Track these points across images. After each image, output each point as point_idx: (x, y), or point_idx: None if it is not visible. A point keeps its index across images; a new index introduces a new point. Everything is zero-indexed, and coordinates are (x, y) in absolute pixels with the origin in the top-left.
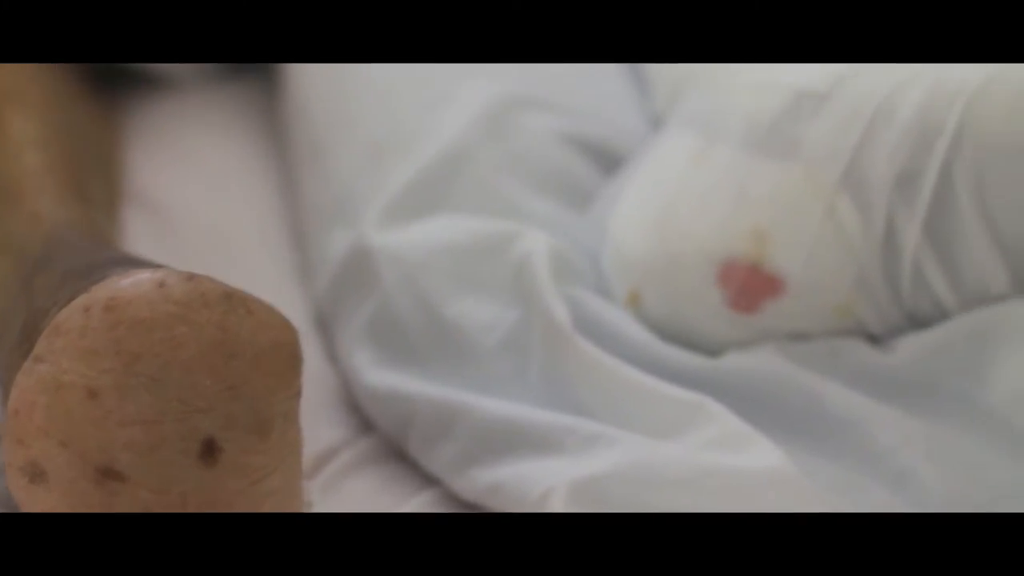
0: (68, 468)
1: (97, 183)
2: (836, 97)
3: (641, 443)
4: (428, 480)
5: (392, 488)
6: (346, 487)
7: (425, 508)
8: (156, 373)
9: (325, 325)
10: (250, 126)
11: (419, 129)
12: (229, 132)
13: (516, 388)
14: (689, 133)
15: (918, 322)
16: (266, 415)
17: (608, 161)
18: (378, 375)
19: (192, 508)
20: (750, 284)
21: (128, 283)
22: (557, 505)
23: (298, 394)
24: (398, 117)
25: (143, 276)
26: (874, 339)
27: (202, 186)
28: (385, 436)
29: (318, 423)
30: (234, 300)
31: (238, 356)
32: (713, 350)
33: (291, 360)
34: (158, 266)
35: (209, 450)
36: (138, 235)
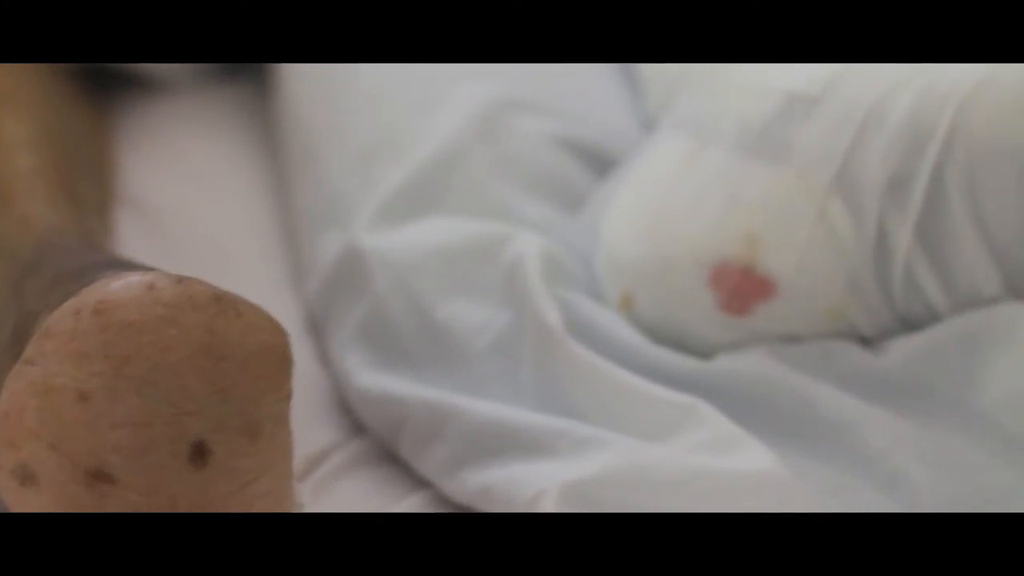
0: (58, 471)
1: (88, 186)
2: (828, 100)
3: (632, 445)
4: (419, 482)
5: (383, 490)
6: (338, 489)
7: (416, 510)
8: (146, 376)
9: (317, 327)
10: (242, 129)
11: (411, 132)
12: (221, 135)
13: (508, 390)
14: (681, 136)
15: (910, 325)
16: (256, 417)
17: (600, 164)
18: (370, 377)
19: (182, 510)
20: (742, 287)
21: (118, 286)
22: (548, 507)
23: (288, 396)
24: (390, 120)
25: (133, 279)
26: (866, 341)
27: (194, 189)
28: (377, 438)
29: (310, 425)
30: (224, 303)
31: (228, 359)
32: (705, 352)
33: (281, 363)
34: (148, 269)
35: (199, 453)
36: (130, 238)
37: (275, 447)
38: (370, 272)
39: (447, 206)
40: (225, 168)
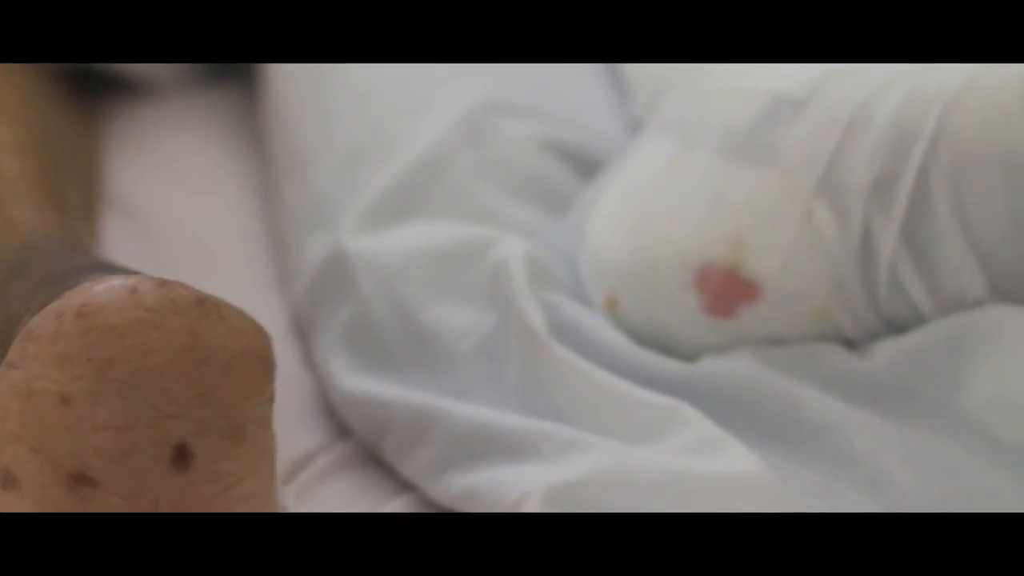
0: (40, 474)
1: (74, 189)
2: (813, 103)
3: (616, 448)
4: (404, 485)
5: (368, 493)
6: (322, 492)
7: None
8: (128, 379)
9: (303, 330)
10: (229, 132)
11: (397, 135)
12: (208, 138)
13: (492, 393)
14: (667, 138)
15: (895, 327)
16: (238, 421)
17: (586, 166)
18: (354, 380)
19: None
20: (727, 289)
21: (100, 289)
22: (531, 510)
23: (271, 400)
24: (376, 123)
25: (115, 282)
26: (851, 344)
27: (181, 192)
28: (361, 441)
29: (295, 428)
30: (206, 306)
31: (210, 362)
32: (690, 355)
33: (263, 366)
34: (131, 272)
35: (181, 456)
36: (117, 241)
37: (258, 450)
38: (355, 275)
39: (433, 209)
40: (212, 171)
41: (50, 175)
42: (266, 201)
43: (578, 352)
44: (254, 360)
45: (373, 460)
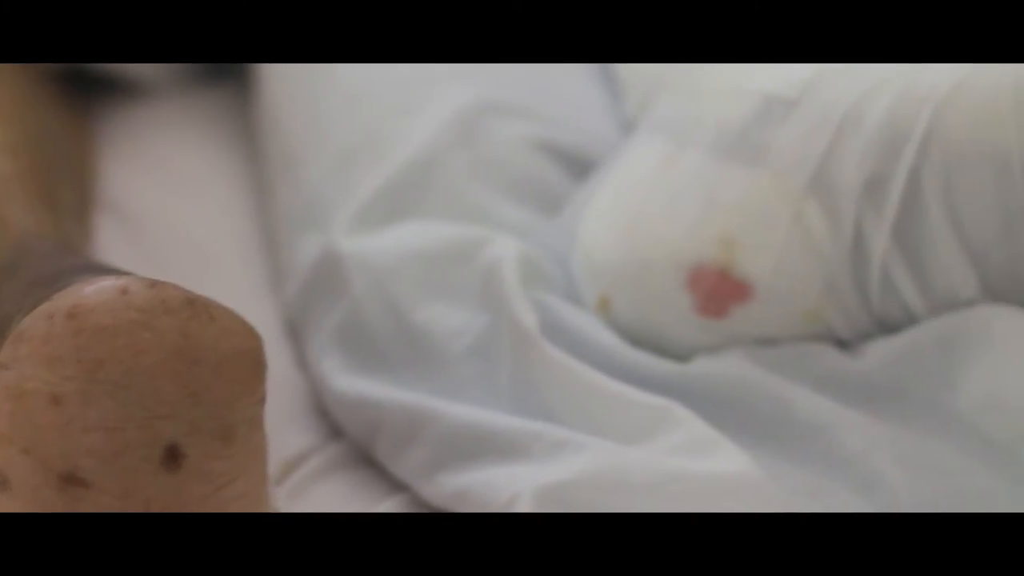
0: (31, 475)
1: (67, 190)
2: (805, 103)
3: (608, 448)
4: (396, 486)
5: (360, 494)
6: (314, 492)
7: None
8: (119, 379)
9: (295, 331)
10: (223, 133)
11: (390, 135)
12: (202, 139)
13: (484, 394)
14: (659, 138)
15: (887, 327)
16: (229, 421)
17: (579, 167)
18: (347, 381)
19: None
20: (719, 289)
21: (91, 290)
22: (523, 511)
23: (262, 400)
24: (369, 124)
25: (106, 283)
26: (843, 344)
27: (175, 193)
28: (354, 442)
29: (287, 429)
30: (197, 306)
31: (201, 362)
32: (682, 355)
33: (254, 366)
34: (122, 273)
35: (172, 456)
36: (111, 242)
37: (249, 450)
38: (348, 276)
39: (425, 209)
40: (206, 172)
41: (43, 176)
42: (259, 202)
43: (570, 352)
44: (245, 361)
45: (365, 460)
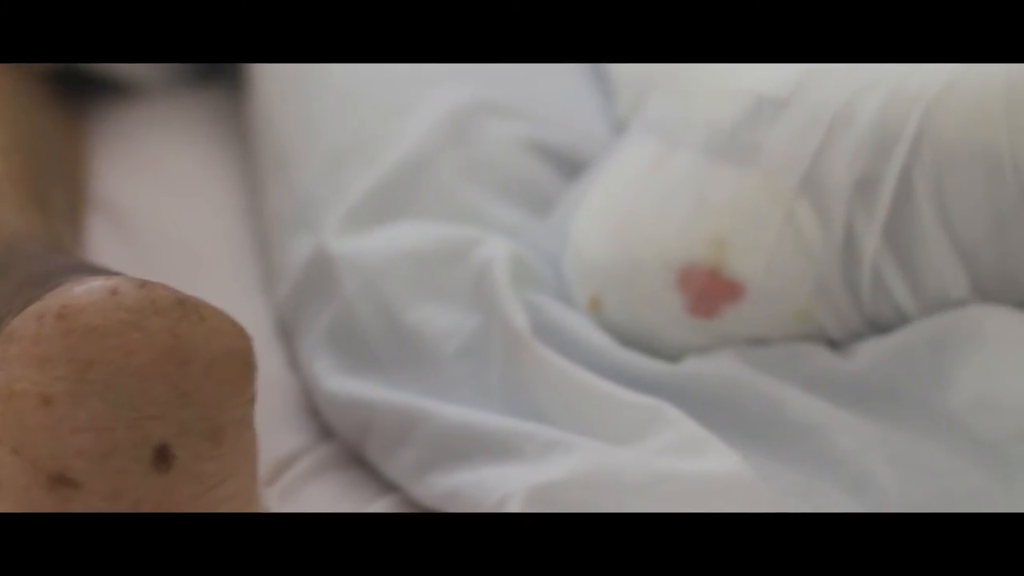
0: (21, 475)
1: (59, 190)
2: (796, 103)
3: (599, 449)
4: (387, 486)
5: (351, 494)
6: (305, 493)
7: None
8: (109, 380)
9: (287, 332)
10: (215, 134)
11: (381, 136)
12: (194, 139)
13: (475, 394)
14: (651, 138)
15: (878, 327)
16: (219, 421)
17: (571, 167)
18: (338, 381)
19: None
20: (710, 289)
21: (81, 290)
22: (514, 511)
23: (252, 400)
24: (361, 124)
25: (96, 283)
26: (834, 344)
27: (167, 194)
28: (345, 442)
29: (279, 429)
30: (187, 307)
31: (190, 363)
32: (673, 355)
33: (244, 366)
34: (112, 273)
35: (162, 457)
36: (103, 243)
37: (239, 451)
38: (339, 276)
39: (417, 210)
40: (198, 173)
41: (34, 176)
42: (251, 202)
43: (561, 353)
44: (235, 361)
45: (357, 461)
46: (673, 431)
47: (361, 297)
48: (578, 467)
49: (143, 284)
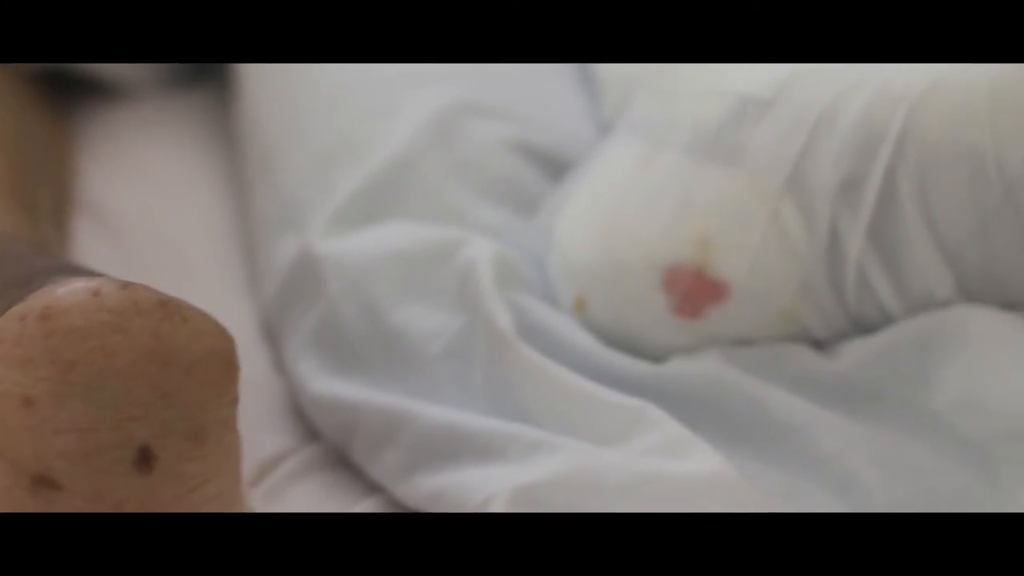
0: (3, 477)
1: (44, 192)
2: (780, 104)
3: (583, 449)
4: (372, 487)
5: (336, 495)
6: (290, 494)
7: None
8: (91, 381)
9: (273, 333)
10: (202, 135)
11: (367, 137)
12: (181, 142)
13: (460, 395)
14: (636, 139)
15: (863, 328)
16: (202, 422)
17: (556, 168)
18: (323, 382)
19: None
20: (694, 290)
21: (63, 292)
22: (497, 512)
23: (235, 401)
24: (347, 125)
25: (78, 285)
26: (819, 345)
27: (154, 196)
28: (330, 443)
29: (264, 431)
30: (169, 308)
31: (172, 364)
32: (658, 356)
33: (226, 368)
34: (95, 275)
35: (144, 458)
36: (90, 245)
37: (222, 452)
38: (324, 277)
39: (402, 211)
40: (186, 175)
41: (20, 177)
42: (238, 204)
43: (546, 353)
44: (217, 362)
45: (342, 462)
46: (657, 432)
47: (346, 298)
48: (562, 468)
49: (125, 285)
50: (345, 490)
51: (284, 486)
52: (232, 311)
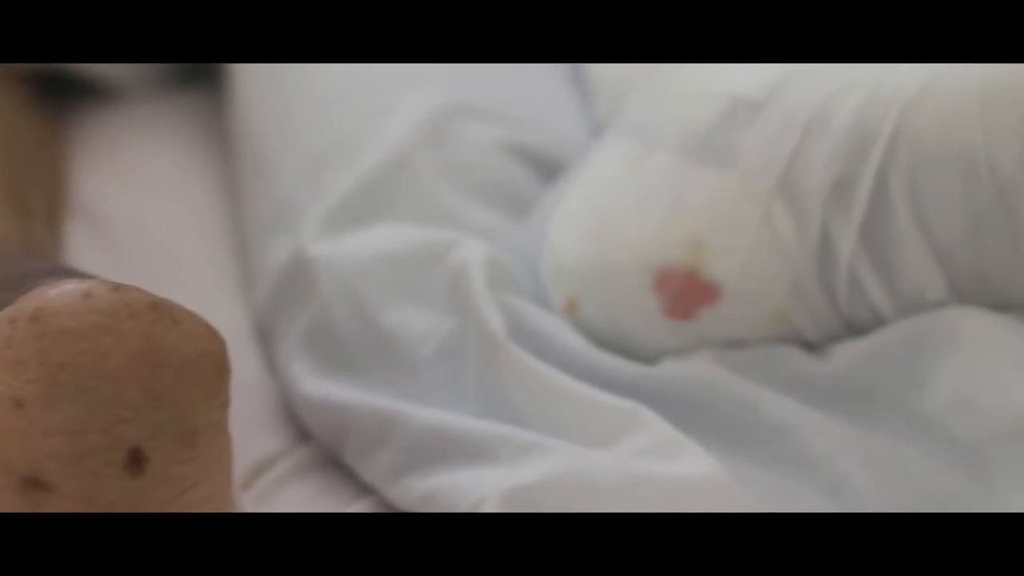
0: None
1: (37, 194)
2: (772, 105)
3: (574, 451)
4: (364, 489)
5: (328, 497)
6: (282, 496)
7: None
8: (82, 383)
9: (265, 335)
10: (195, 137)
11: (360, 139)
12: (174, 143)
13: (451, 397)
14: (628, 140)
15: (855, 329)
16: (193, 424)
17: (549, 170)
18: (315, 384)
19: None
20: (686, 291)
21: (54, 294)
22: None
23: (226, 403)
24: (339, 127)
25: (69, 287)
26: (811, 346)
27: (147, 198)
28: (322, 445)
29: (256, 432)
30: (160, 310)
31: (164, 366)
32: (650, 357)
33: (217, 370)
34: (86, 277)
35: (135, 460)
36: (82, 246)
37: (213, 454)
38: (316, 279)
39: (394, 212)
40: (178, 176)
41: (12, 179)
42: (231, 205)
43: (537, 355)
44: (208, 364)
45: (334, 464)
46: (649, 434)
47: (338, 300)
48: (553, 470)
49: (117, 287)
50: (337, 492)
51: (276, 488)
52: (224, 312)
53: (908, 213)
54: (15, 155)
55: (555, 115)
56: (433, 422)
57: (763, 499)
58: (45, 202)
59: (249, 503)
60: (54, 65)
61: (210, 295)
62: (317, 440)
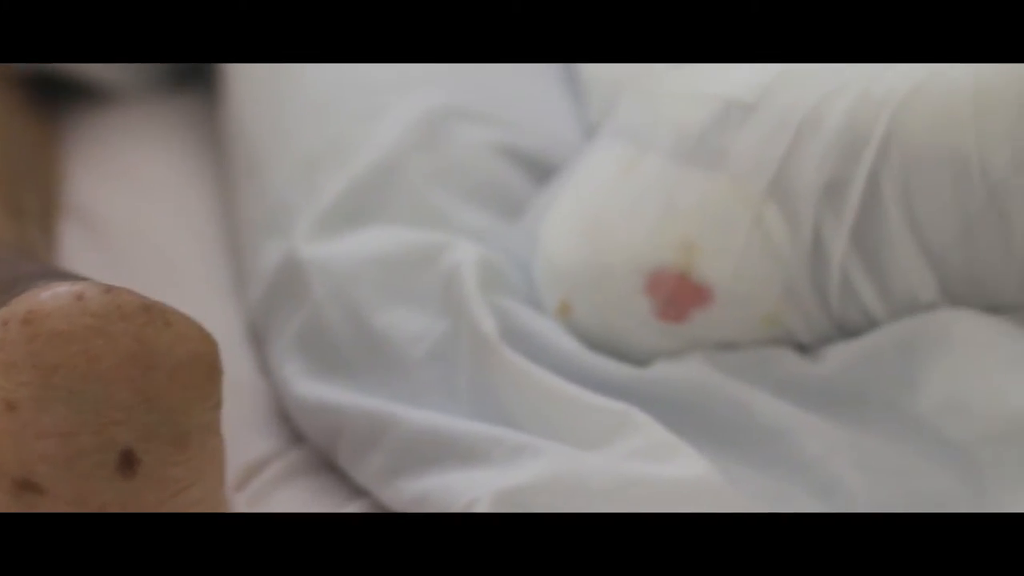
0: None
1: (31, 195)
2: (763, 107)
3: (567, 453)
4: (357, 491)
5: (321, 499)
6: (275, 498)
7: None
8: (73, 385)
9: (258, 337)
10: (189, 139)
11: (353, 141)
12: (168, 145)
13: (444, 399)
14: (620, 143)
15: (847, 331)
16: (185, 427)
17: (542, 172)
18: (308, 386)
19: None
20: (678, 293)
21: (46, 296)
22: None
23: (218, 405)
24: (332, 129)
25: (61, 289)
26: (803, 348)
27: (141, 199)
28: (315, 447)
29: (249, 434)
30: (152, 312)
31: (156, 368)
32: (642, 360)
33: (210, 372)
34: (79, 279)
35: (127, 462)
36: (77, 248)
37: (205, 456)
38: (309, 281)
39: (387, 214)
40: (171, 178)
41: (6, 180)
42: (224, 207)
43: (530, 357)
44: (200, 366)
45: (327, 466)
46: (641, 436)
47: (331, 302)
48: (545, 471)
49: (109, 289)
50: (330, 494)
51: (269, 490)
52: (217, 314)
53: (900, 215)
54: (9, 156)
55: (548, 117)
56: (425, 424)
57: (756, 501)
58: (39, 203)
59: (242, 505)
60: (49, 66)
61: (203, 296)
62: (310, 442)
